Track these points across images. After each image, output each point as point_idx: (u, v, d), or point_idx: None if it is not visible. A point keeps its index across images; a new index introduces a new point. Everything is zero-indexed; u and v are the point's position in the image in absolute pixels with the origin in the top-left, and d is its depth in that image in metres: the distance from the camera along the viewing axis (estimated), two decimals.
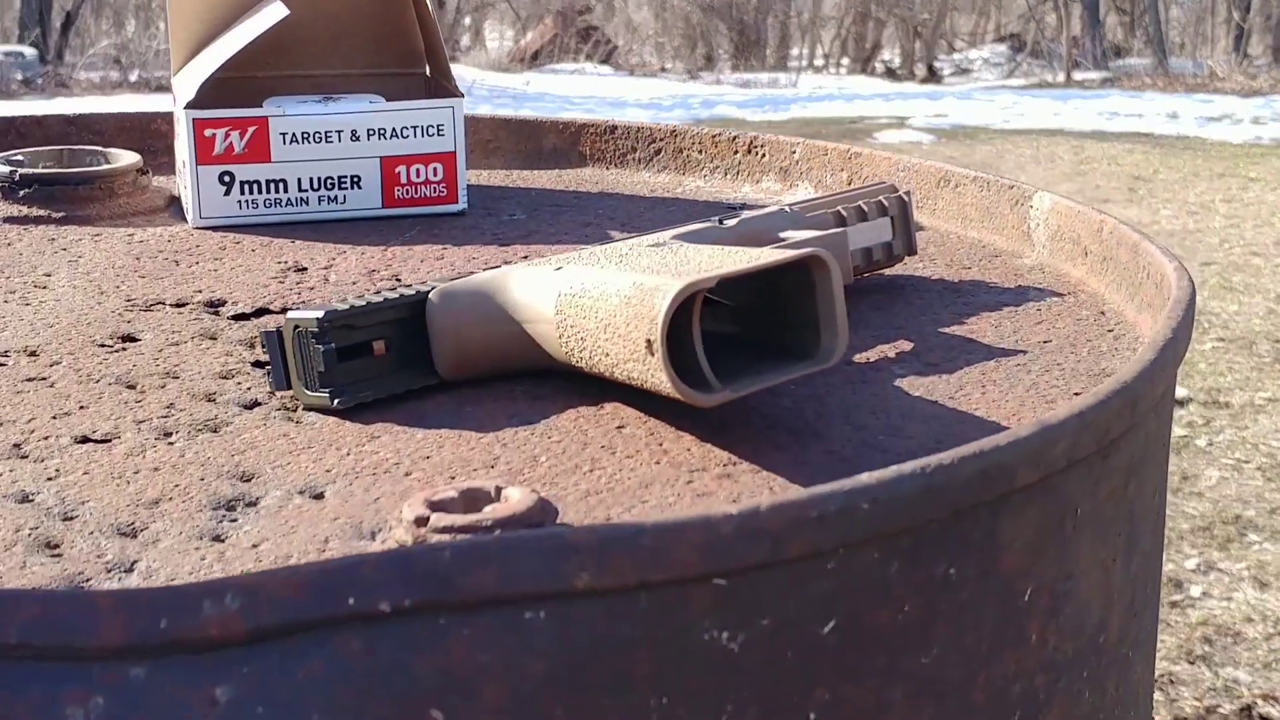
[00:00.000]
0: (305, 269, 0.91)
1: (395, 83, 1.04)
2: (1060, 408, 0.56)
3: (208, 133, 0.96)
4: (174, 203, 1.04)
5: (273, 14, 0.96)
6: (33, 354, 0.77)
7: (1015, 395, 0.69)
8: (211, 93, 0.96)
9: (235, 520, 0.59)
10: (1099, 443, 0.58)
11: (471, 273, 0.73)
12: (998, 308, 0.81)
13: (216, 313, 0.83)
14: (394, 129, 0.99)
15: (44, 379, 0.74)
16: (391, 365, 0.70)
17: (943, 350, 0.75)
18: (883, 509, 0.50)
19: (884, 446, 0.64)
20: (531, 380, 0.71)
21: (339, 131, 0.98)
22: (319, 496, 0.61)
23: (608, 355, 0.64)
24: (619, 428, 0.66)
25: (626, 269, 0.66)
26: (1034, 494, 0.55)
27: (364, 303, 0.69)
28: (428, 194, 1.00)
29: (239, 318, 0.83)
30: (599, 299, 0.65)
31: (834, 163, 1.05)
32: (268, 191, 0.98)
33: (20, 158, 1.04)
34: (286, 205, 0.98)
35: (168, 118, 1.11)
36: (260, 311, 0.83)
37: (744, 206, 1.04)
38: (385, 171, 0.99)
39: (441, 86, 1.03)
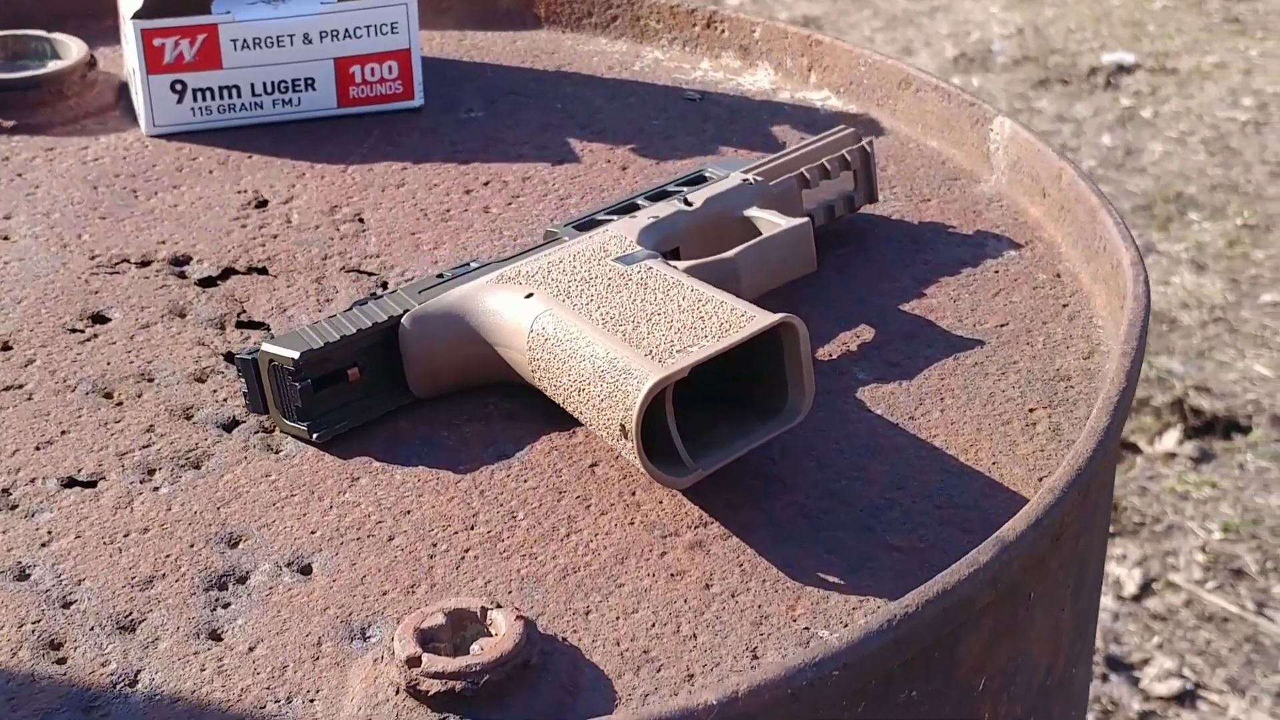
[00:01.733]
0: (266, 203, 0.91)
1: None
2: (1017, 520, 0.58)
3: (157, 42, 0.94)
4: (123, 94, 1.03)
5: None
6: (6, 346, 0.77)
7: (972, 415, 0.71)
8: None
9: (229, 606, 0.61)
10: (1054, 537, 0.61)
11: (440, 274, 0.74)
12: (956, 269, 0.83)
13: (182, 274, 0.84)
14: (346, 29, 0.97)
15: (20, 387, 0.75)
16: (366, 389, 0.72)
17: (902, 341, 0.77)
18: (853, 672, 0.53)
19: (848, 496, 0.66)
20: (503, 393, 0.73)
21: (290, 35, 0.96)
22: (306, 570, 0.63)
23: (581, 414, 0.66)
24: (592, 466, 0.69)
25: (599, 321, 0.67)
26: (990, 606, 0.59)
27: (338, 337, 0.70)
28: (383, 92, 0.99)
29: (205, 283, 0.83)
30: (571, 357, 0.66)
31: (794, 47, 1.04)
32: (221, 98, 0.97)
33: None
34: (241, 110, 0.97)
35: None
36: (226, 273, 0.84)
37: (703, 95, 1.03)
38: (339, 72, 0.98)
39: None
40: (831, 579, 0.62)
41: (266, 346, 0.70)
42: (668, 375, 0.62)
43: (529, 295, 0.70)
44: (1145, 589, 2.32)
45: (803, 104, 1.02)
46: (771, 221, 0.78)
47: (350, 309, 0.73)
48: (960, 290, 0.81)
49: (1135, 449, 2.61)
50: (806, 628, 0.59)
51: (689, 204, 0.78)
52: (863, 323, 0.78)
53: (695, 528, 0.65)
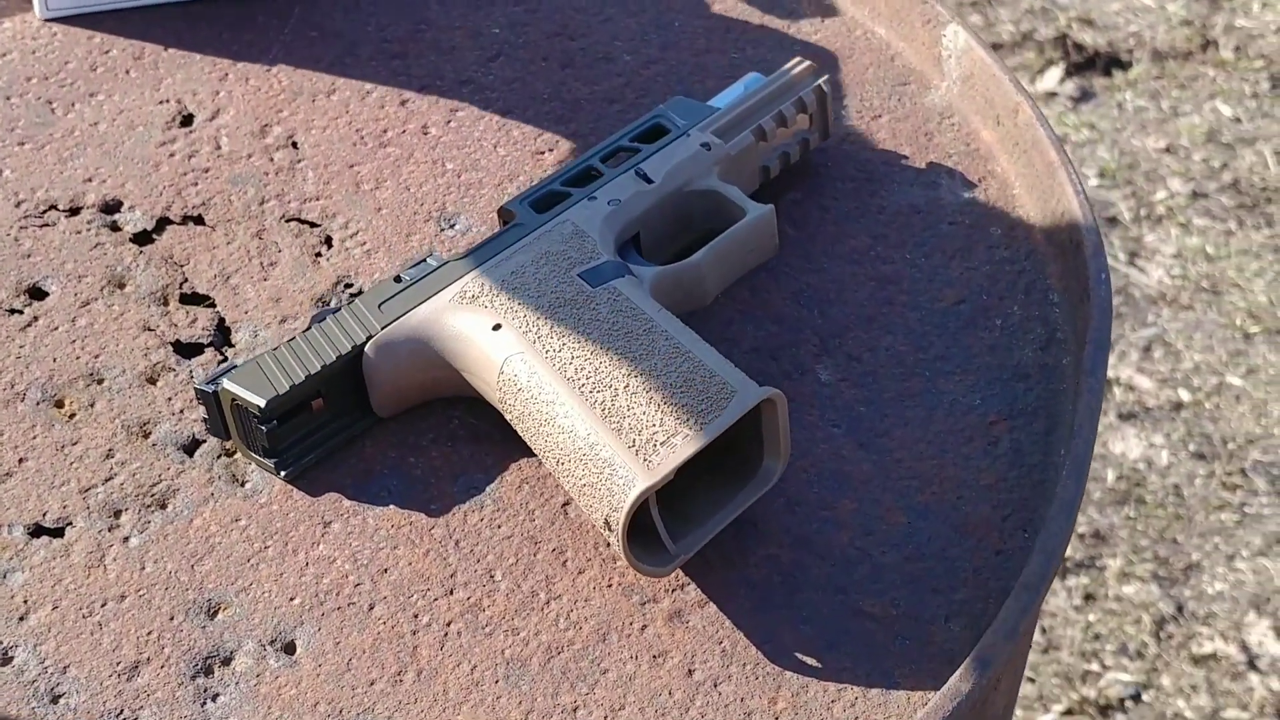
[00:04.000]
0: (191, 119, 0.86)
1: None
2: (994, 633, 0.61)
3: None
4: None
5: None
6: None
7: (934, 430, 0.72)
8: None
9: (218, 699, 0.63)
10: (1026, 632, 0.63)
11: (398, 277, 0.72)
12: (911, 218, 0.82)
13: (115, 226, 0.81)
14: None
15: None
16: (330, 414, 0.71)
17: (862, 327, 0.77)
18: None
19: (819, 545, 0.68)
20: (465, 407, 0.73)
21: None
22: (290, 649, 0.64)
23: (558, 479, 0.67)
24: (564, 505, 0.69)
25: (574, 382, 0.66)
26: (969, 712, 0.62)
27: (303, 377, 0.69)
28: None
29: (141, 239, 0.80)
30: (549, 423, 0.66)
31: None
32: None
33: None
34: None
35: None
36: (161, 224, 0.81)
37: None
38: None
39: None
40: (809, 660, 0.64)
41: (228, 384, 0.68)
42: (654, 483, 0.62)
43: (496, 326, 0.69)
44: None
45: None
46: (733, 204, 0.76)
47: (309, 328, 0.71)
48: (915, 252, 0.80)
49: None
50: None
51: (648, 180, 0.76)
52: (822, 300, 0.78)
53: (673, 591, 0.66)
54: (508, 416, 0.68)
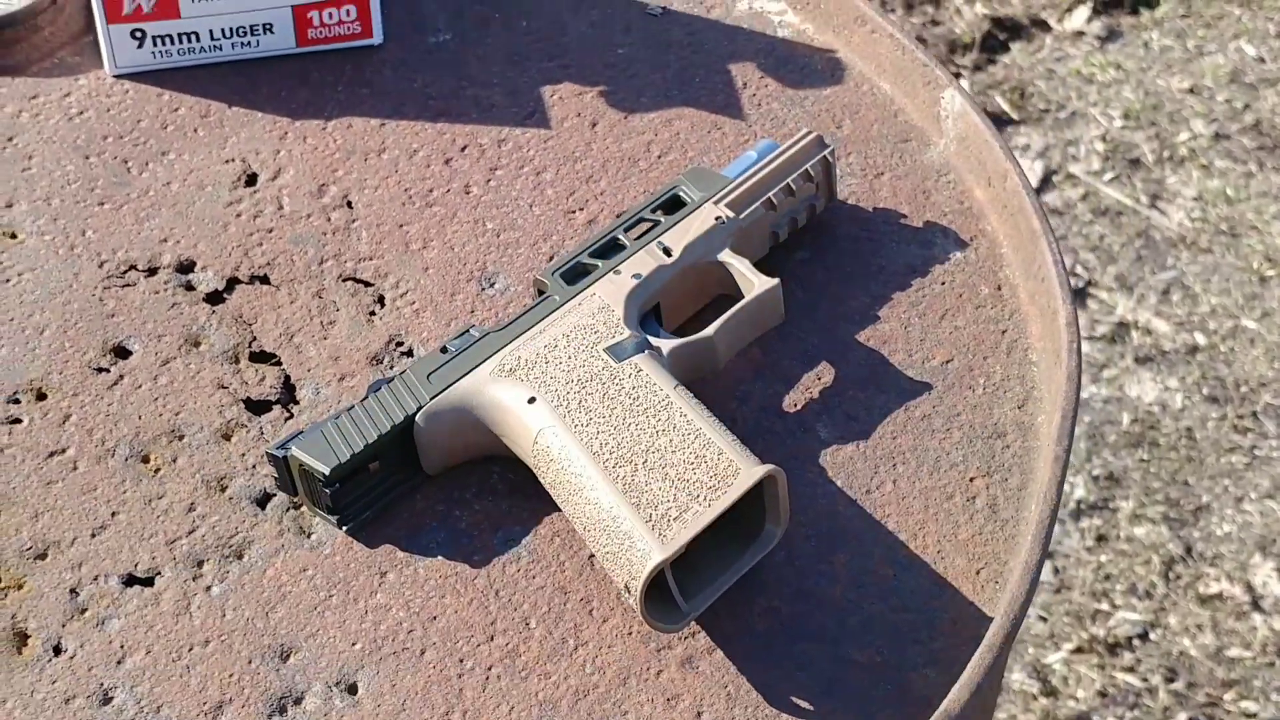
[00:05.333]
0: (255, 178, 0.96)
1: None
2: (960, 690, 0.70)
3: None
4: (91, 15, 1.04)
5: None
6: (41, 395, 0.85)
7: (920, 487, 0.81)
8: None
9: None
10: (992, 685, 0.73)
11: (444, 348, 0.81)
12: (907, 279, 0.90)
13: (190, 285, 0.90)
14: None
15: (64, 452, 0.83)
16: (385, 473, 0.81)
17: (858, 387, 0.86)
18: None
19: (816, 598, 0.77)
20: (505, 463, 0.82)
21: None
22: (353, 690, 0.74)
23: (584, 541, 0.76)
24: (590, 556, 0.79)
25: (599, 455, 0.75)
26: None
27: (362, 446, 0.78)
28: (341, 33, 1.02)
29: (213, 299, 0.90)
30: (577, 493, 0.75)
31: None
32: (180, 43, 0.99)
33: None
34: (200, 53, 1.00)
35: None
36: (231, 284, 0.90)
37: (664, 10, 1.07)
38: (297, 17, 1.00)
39: None
40: (804, 705, 0.74)
41: (296, 452, 0.78)
42: (668, 556, 0.72)
43: (531, 399, 0.78)
44: (1045, 182, 2.42)
45: (762, 32, 1.05)
46: (745, 276, 0.85)
47: (366, 397, 0.80)
48: (910, 311, 0.89)
49: (1045, 26, 2.66)
50: None
51: (668, 253, 0.85)
52: (824, 360, 0.87)
53: (685, 639, 0.76)
54: (541, 480, 0.78)
